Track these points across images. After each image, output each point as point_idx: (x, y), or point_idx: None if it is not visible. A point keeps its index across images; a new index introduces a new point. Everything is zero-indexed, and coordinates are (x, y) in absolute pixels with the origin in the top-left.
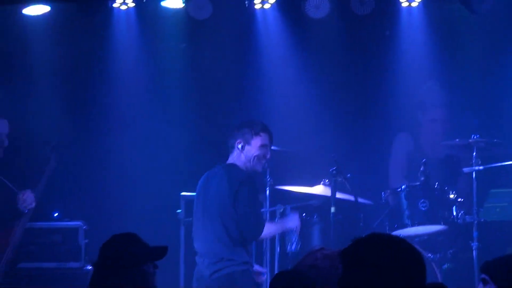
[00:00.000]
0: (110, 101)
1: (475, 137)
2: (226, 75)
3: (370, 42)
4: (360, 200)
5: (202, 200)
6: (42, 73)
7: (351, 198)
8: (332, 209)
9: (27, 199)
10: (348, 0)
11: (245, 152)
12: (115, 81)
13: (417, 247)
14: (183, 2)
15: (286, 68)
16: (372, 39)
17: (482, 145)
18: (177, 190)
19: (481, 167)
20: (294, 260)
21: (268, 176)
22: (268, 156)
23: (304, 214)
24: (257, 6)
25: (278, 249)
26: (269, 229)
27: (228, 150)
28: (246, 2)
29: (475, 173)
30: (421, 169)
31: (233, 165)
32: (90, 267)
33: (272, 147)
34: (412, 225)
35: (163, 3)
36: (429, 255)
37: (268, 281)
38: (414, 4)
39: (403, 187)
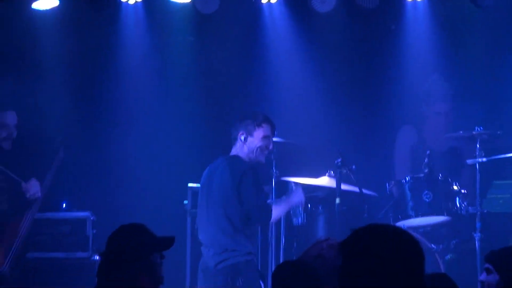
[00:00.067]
0: (118, 94)
1: (478, 129)
2: (233, 69)
3: (375, 36)
4: (364, 191)
5: (206, 192)
6: (51, 67)
7: (356, 189)
8: (337, 200)
9: (31, 188)
10: None
11: (248, 143)
12: (122, 74)
13: (420, 237)
14: None
15: (292, 62)
16: (378, 33)
17: (485, 137)
18: (184, 181)
19: (484, 159)
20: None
21: (274, 168)
22: (270, 147)
23: (309, 205)
24: (264, 0)
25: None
26: (277, 211)
27: (231, 142)
28: None
29: (478, 164)
30: (425, 161)
31: (236, 157)
32: (98, 257)
33: (278, 139)
34: (416, 216)
35: None
36: (433, 245)
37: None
38: None
39: (407, 178)
